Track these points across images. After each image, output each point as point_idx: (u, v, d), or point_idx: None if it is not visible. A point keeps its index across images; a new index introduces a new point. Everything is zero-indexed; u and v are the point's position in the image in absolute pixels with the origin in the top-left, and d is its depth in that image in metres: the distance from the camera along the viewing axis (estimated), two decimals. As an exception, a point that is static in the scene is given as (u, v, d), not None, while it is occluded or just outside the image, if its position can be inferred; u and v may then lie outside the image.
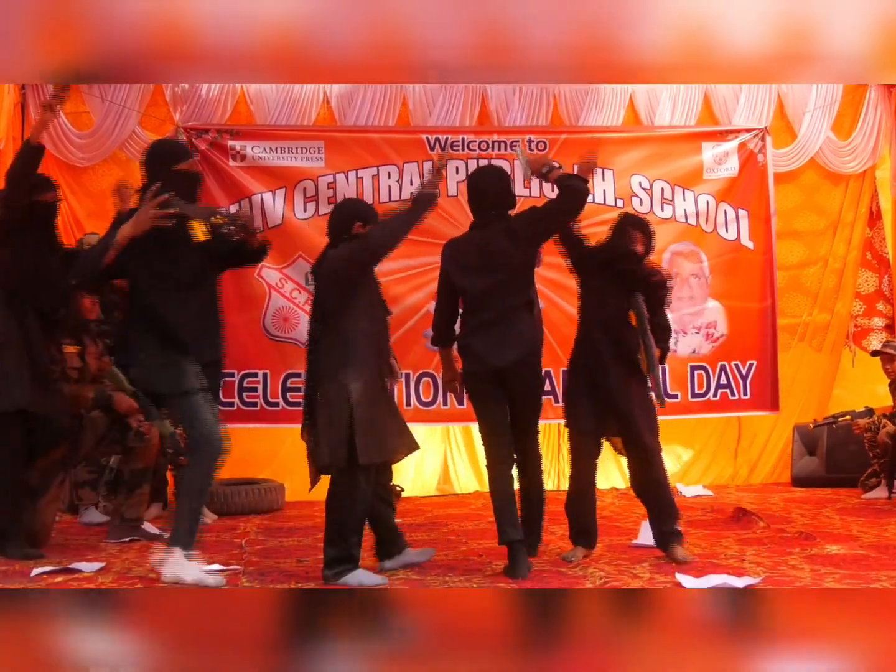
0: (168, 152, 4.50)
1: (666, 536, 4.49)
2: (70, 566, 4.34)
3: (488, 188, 4.44)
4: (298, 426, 5.86)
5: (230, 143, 6.71)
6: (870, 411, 6.44)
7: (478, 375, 4.39)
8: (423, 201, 4.39)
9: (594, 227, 5.69)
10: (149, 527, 5.22)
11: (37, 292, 4.72)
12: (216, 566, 4.32)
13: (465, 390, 4.57)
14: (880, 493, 6.07)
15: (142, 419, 4.98)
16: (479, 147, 6.81)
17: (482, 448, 4.60)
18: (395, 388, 5.96)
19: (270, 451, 6.86)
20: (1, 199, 4.66)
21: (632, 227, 4.61)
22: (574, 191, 4.36)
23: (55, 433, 4.88)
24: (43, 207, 4.76)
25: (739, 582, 3.77)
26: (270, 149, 6.74)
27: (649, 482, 4.55)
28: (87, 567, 4.33)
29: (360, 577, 4.00)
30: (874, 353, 6.75)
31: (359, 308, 4.16)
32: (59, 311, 4.90)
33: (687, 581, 3.81)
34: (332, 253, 4.23)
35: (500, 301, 4.32)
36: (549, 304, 6.40)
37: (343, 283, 4.17)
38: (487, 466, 4.50)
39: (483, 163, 6.54)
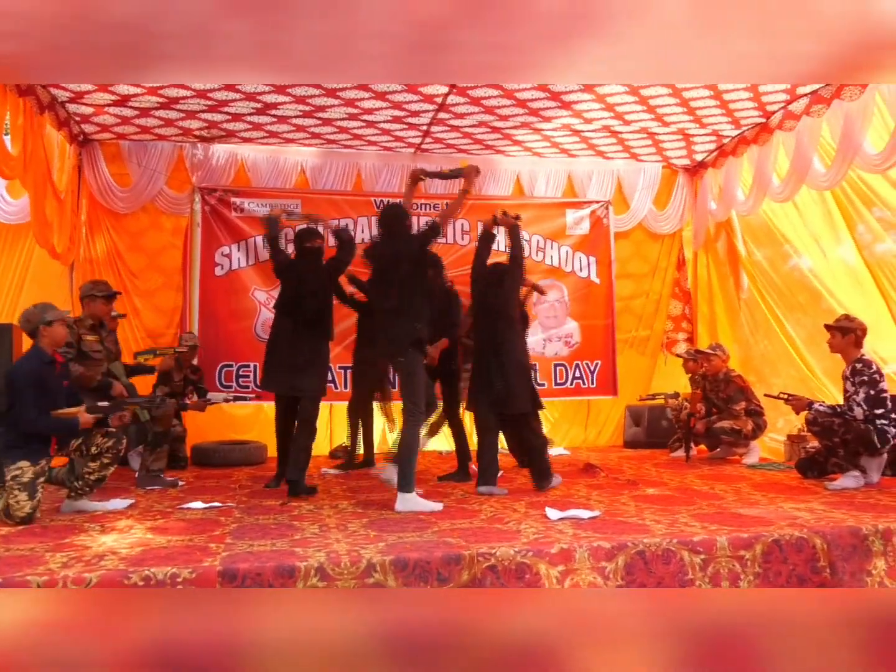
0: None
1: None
2: (107, 502, 4.15)
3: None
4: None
5: (233, 199, 6.59)
6: (676, 395, 6.57)
7: None
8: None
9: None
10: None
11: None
12: (216, 503, 4.19)
13: None
14: (681, 453, 6.19)
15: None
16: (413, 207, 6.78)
17: None
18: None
19: (255, 420, 6.69)
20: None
21: None
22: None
23: None
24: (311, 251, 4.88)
25: (587, 514, 3.74)
26: (261, 204, 6.59)
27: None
28: (121, 504, 4.15)
29: None
30: (678, 356, 6.94)
31: None
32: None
33: (552, 513, 3.76)
34: None
35: None
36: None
37: None
38: None
39: (414, 218, 6.58)
